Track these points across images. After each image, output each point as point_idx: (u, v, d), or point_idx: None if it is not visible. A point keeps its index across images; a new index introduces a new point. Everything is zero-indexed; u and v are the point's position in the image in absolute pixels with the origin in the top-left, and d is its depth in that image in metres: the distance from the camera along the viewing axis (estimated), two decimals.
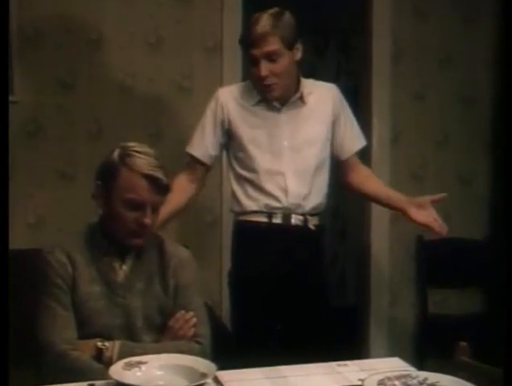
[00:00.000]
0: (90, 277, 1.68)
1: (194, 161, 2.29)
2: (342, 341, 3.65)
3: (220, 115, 2.23)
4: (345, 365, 1.60)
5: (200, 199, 3.09)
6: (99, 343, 1.61)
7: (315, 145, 2.23)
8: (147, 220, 1.66)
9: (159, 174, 1.66)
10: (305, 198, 2.21)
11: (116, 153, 1.69)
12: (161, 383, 1.43)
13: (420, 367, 1.59)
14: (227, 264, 3.19)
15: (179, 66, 3.10)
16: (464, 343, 1.64)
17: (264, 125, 2.20)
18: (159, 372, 1.45)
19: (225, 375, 1.49)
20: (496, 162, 3.53)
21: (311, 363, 1.61)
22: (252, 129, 2.20)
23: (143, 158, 1.66)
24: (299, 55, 2.15)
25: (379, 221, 3.52)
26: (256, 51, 2.06)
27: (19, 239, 2.83)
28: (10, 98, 2.82)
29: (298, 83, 2.22)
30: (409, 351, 3.46)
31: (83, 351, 1.60)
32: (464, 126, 3.55)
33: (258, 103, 2.20)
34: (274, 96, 2.15)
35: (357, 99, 3.88)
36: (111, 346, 1.61)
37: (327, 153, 2.28)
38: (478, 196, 3.58)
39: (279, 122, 2.20)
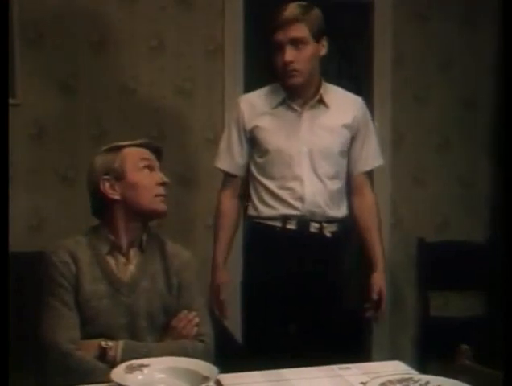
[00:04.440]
0: (94, 276, 1.69)
1: (228, 176, 2.31)
2: (343, 344, 3.67)
3: (242, 123, 2.23)
4: (347, 368, 1.60)
5: (204, 201, 3.13)
6: (103, 343, 1.62)
7: (332, 154, 2.21)
8: (165, 178, 1.77)
9: (149, 140, 1.85)
10: (321, 205, 2.21)
11: (104, 154, 1.79)
12: None
13: (422, 370, 1.59)
14: (230, 264, 3.21)
15: (181, 69, 3.11)
16: (465, 346, 1.64)
17: (284, 128, 2.19)
18: (161, 375, 1.44)
19: (227, 379, 1.49)
20: (497, 165, 3.53)
21: (313, 367, 1.61)
22: (272, 134, 2.19)
23: (127, 141, 1.81)
24: (324, 50, 2.16)
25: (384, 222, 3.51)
26: (282, 36, 2.08)
27: (21, 241, 2.84)
28: (13, 101, 2.83)
29: (319, 84, 2.21)
30: (410, 354, 3.46)
31: (87, 351, 1.60)
32: (465, 129, 3.55)
33: (279, 105, 2.20)
34: (296, 83, 2.12)
35: None
36: (115, 346, 1.61)
37: (344, 164, 2.27)
38: (479, 199, 3.58)
39: (299, 126, 2.19)
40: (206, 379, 1.40)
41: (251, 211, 2.26)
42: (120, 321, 1.67)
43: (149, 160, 1.79)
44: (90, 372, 1.54)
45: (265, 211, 2.21)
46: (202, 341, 1.71)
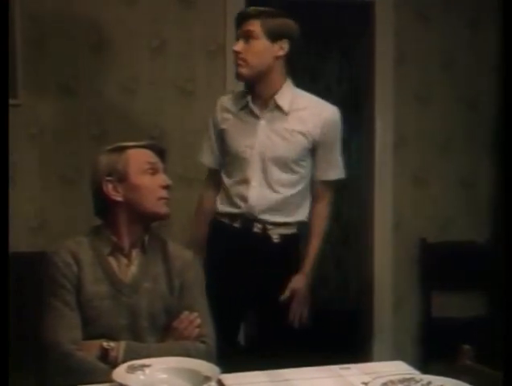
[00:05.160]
0: (95, 276, 1.69)
1: (210, 171, 2.38)
2: (345, 344, 3.67)
3: (215, 123, 2.32)
4: (348, 368, 1.59)
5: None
6: (104, 343, 1.62)
7: (285, 161, 2.22)
8: (169, 181, 1.78)
9: (154, 141, 1.87)
10: (264, 210, 2.22)
11: (108, 154, 1.79)
12: None
13: (424, 370, 1.59)
14: None
15: (182, 69, 3.11)
16: (467, 347, 1.64)
17: (244, 131, 2.24)
18: (163, 375, 1.45)
19: (229, 379, 1.49)
20: (498, 166, 3.53)
21: (314, 367, 1.61)
22: (233, 136, 2.26)
23: (131, 142, 1.82)
24: (281, 52, 2.18)
25: (382, 224, 3.52)
26: (239, 31, 2.18)
27: (22, 242, 2.85)
28: (14, 101, 2.84)
29: (279, 87, 2.22)
30: (412, 355, 3.45)
31: (88, 351, 1.60)
32: (468, 129, 3.55)
33: (242, 108, 2.26)
34: (241, 73, 2.18)
35: (360, 102, 3.90)
36: (116, 347, 1.61)
37: (305, 171, 2.27)
38: (481, 199, 3.58)
39: (256, 130, 2.23)
40: (208, 379, 1.40)
41: (216, 208, 2.33)
42: (121, 321, 1.67)
43: (153, 162, 1.79)
44: (91, 373, 1.53)
45: (219, 207, 2.30)
46: (204, 342, 1.71)
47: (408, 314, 3.54)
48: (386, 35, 3.44)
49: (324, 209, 2.36)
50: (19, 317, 1.82)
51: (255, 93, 2.22)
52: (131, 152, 1.78)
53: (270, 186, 2.22)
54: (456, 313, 3.48)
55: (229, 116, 2.28)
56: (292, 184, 2.24)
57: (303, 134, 2.21)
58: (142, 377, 1.42)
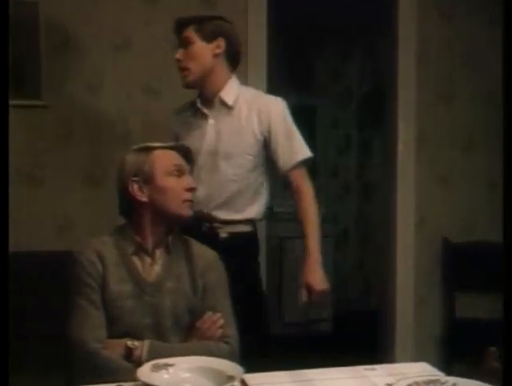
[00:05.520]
0: (120, 276, 1.70)
1: None
2: (367, 345, 3.66)
3: (172, 130, 2.39)
4: (373, 369, 1.59)
5: None
6: (129, 342, 1.63)
7: (235, 156, 2.22)
8: (194, 184, 1.80)
9: (179, 143, 1.88)
10: (212, 207, 2.23)
11: (134, 153, 1.80)
12: (188, 385, 1.43)
13: (447, 371, 1.57)
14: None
15: None
16: (493, 348, 1.62)
17: (194, 130, 2.29)
18: (186, 374, 1.45)
19: (252, 378, 1.49)
20: None
21: (337, 367, 1.60)
22: (185, 135, 2.30)
23: (157, 143, 1.82)
24: (218, 50, 2.24)
25: (404, 223, 3.50)
26: (178, 39, 2.27)
27: (49, 241, 2.88)
28: (40, 102, 2.88)
29: (223, 85, 2.26)
30: (435, 356, 3.43)
31: (113, 350, 1.62)
32: (491, 128, 3.51)
33: (192, 107, 2.31)
34: (187, 81, 2.25)
35: (383, 101, 3.88)
36: (140, 346, 1.62)
37: (254, 165, 2.25)
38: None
39: (205, 128, 2.27)
40: (231, 378, 1.40)
41: None
42: (145, 321, 1.68)
43: (179, 164, 1.79)
44: (116, 371, 1.55)
45: None
46: (227, 343, 1.71)
47: (431, 314, 3.51)
48: (409, 33, 3.42)
49: (309, 206, 2.32)
50: (47, 315, 1.83)
51: (203, 94, 2.28)
52: (158, 153, 1.79)
53: (219, 183, 2.23)
54: (480, 314, 3.44)
55: (182, 118, 2.35)
56: (243, 180, 2.24)
57: (251, 129, 2.23)
58: (166, 376, 1.42)
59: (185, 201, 1.78)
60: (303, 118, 5.00)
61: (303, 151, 2.30)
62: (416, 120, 3.44)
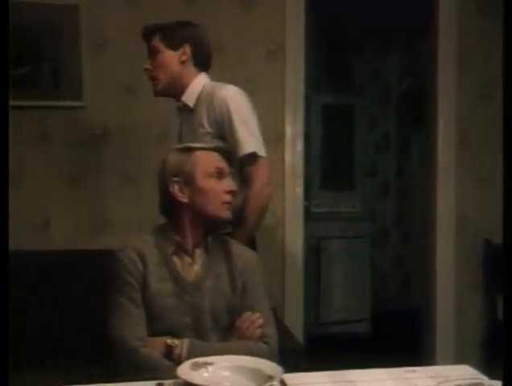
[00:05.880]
0: (160, 275, 1.71)
1: None
2: (406, 346, 3.62)
3: None
4: (413, 371, 1.56)
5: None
6: (169, 341, 1.64)
7: None
8: (234, 186, 1.79)
9: (222, 144, 1.88)
10: None
11: (176, 153, 1.81)
12: (227, 384, 1.42)
13: (488, 375, 1.54)
14: (290, 268, 3.21)
15: (242, 69, 3.12)
16: None
17: (175, 135, 2.37)
18: (226, 373, 1.45)
19: (292, 378, 1.48)
20: None
21: (373, 369, 1.58)
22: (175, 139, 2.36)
23: (199, 144, 1.84)
24: (184, 57, 2.26)
25: (444, 224, 3.45)
26: (148, 48, 2.30)
27: (88, 240, 2.92)
28: (79, 103, 2.92)
29: (188, 85, 2.27)
30: (477, 359, 3.36)
31: (153, 348, 1.63)
32: None
33: (176, 110, 2.37)
34: (156, 90, 2.30)
35: (422, 100, 3.83)
36: (180, 344, 1.63)
37: None
38: None
39: (181, 132, 2.33)
40: (271, 378, 1.40)
41: None
42: (185, 319, 1.69)
43: (220, 167, 1.79)
44: (156, 369, 1.56)
45: None
46: (266, 343, 1.71)
47: (472, 316, 3.45)
48: (450, 31, 3.37)
49: (253, 198, 2.18)
50: (91, 313, 1.85)
51: (177, 99, 2.31)
52: (199, 154, 1.80)
53: None
54: None
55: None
56: None
57: (205, 124, 2.20)
58: (205, 374, 1.42)
59: (224, 203, 1.77)
60: (341, 117, 5.02)
61: (253, 145, 2.18)
62: (457, 119, 3.39)
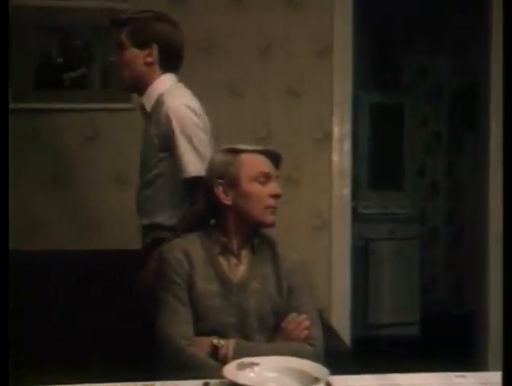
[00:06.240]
0: (206, 275, 1.72)
1: None
2: (457, 349, 3.54)
3: None
4: (463, 377, 1.53)
5: (309, 202, 3.13)
6: (215, 341, 1.65)
7: (148, 162, 2.10)
8: (279, 190, 1.77)
9: (270, 147, 1.83)
10: (140, 212, 2.18)
11: (222, 154, 1.82)
12: (273, 385, 1.43)
13: None
14: (337, 269, 3.19)
15: (290, 69, 3.11)
16: None
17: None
18: (272, 374, 1.45)
19: (338, 381, 1.47)
20: None
21: (422, 373, 1.56)
22: None
23: (246, 145, 1.82)
24: (149, 59, 2.12)
25: (497, 224, 3.36)
26: (115, 41, 2.16)
27: (137, 240, 2.96)
28: (128, 105, 2.96)
29: (148, 88, 2.13)
30: None
31: (199, 348, 1.64)
32: None
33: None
34: (120, 86, 2.22)
35: (474, 99, 3.74)
36: (226, 345, 1.64)
37: (166, 170, 2.07)
38: None
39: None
40: (317, 380, 1.39)
41: None
42: (231, 320, 1.70)
43: (265, 172, 1.78)
44: (201, 369, 1.57)
45: None
46: (312, 345, 1.71)
47: None
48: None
49: None
50: (139, 311, 1.87)
51: (140, 99, 2.18)
52: (245, 157, 1.79)
53: (142, 189, 2.16)
54: None
55: None
56: (155, 184, 2.10)
57: (156, 134, 2.06)
58: (251, 375, 1.43)
59: (268, 207, 1.76)
60: (390, 117, 4.95)
61: (193, 168, 2.01)
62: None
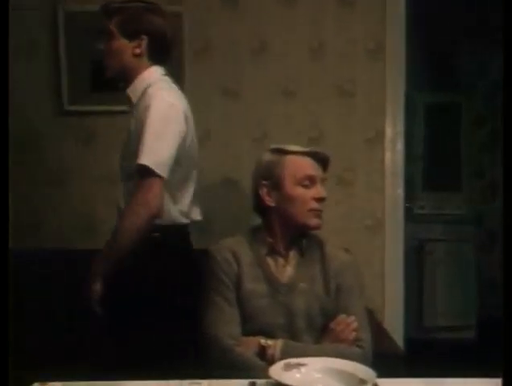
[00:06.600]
0: (254, 275, 1.73)
1: None
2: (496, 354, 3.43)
3: None
4: None
5: (361, 202, 3.10)
6: (262, 341, 1.66)
7: (130, 155, 2.00)
8: (323, 194, 1.75)
9: (317, 149, 1.80)
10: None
11: (269, 153, 1.81)
12: None
13: None
14: (390, 270, 3.15)
15: (342, 69, 3.09)
16: None
17: None
18: (318, 375, 1.45)
19: (386, 383, 1.45)
20: None
21: (476, 378, 1.52)
22: None
23: (294, 146, 1.80)
24: (138, 50, 2.07)
25: None
26: (103, 29, 2.11)
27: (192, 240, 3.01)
28: None
29: (135, 79, 2.08)
30: None
31: (246, 348, 1.65)
32: None
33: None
34: (106, 74, 2.13)
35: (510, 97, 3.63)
36: (274, 345, 1.65)
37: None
38: None
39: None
40: (363, 382, 1.39)
41: None
42: (278, 320, 1.70)
43: (311, 175, 1.76)
44: (249, 368, 1.58)
45: None
46: (360, 347, 1.70)
47: None
48: None
49: (126, 211, 1.95)
50: (187, 311, 1.88)
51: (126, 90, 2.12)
52: (291, 159, 1.78)
53: (124, 184, 2.07)
54: None
55: None
56: (130, 177, 2.02)
57: (135, 123, 2.02)
58: (297, 375, 1.44)
59: (311, 210, 1.75)
60: (446, 116, 4.85)
61: (152, 159, 1.91)
62: None
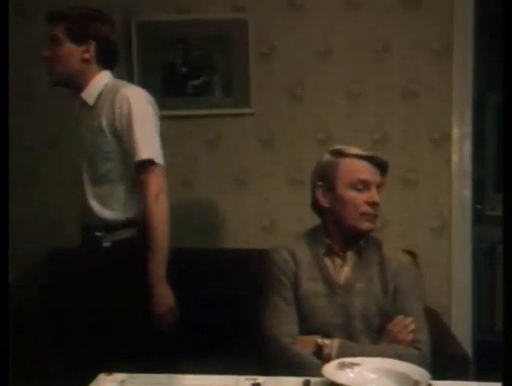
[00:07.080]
0: (311, 275, 1.76)
1: None
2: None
3: None
4: None
5: (427, 203, 3.06)
6: (319, 340, 1.68)
7: (95, 156, 2.05)
8: (376, 198, 1.75)
9: (376, 154, 1.79)
10: (91, 213, 2.08)
11: (328, 154, 1.83)
12: None
13: None
14: (457, 272, 3.10)
15: (407, 71, 3.07)
16: None
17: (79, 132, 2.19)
18: (372, 375, 1.47)
19: None
20: None
21: None
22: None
23: (354, 149, 1.80)
24: (86, 55, 2.10)
25: None
26: (47, 34, 2.13)
27: (255, 240, 3.07)
28: (248, 110, 3.08)
29: (90, 82, 2.11)
30: None
31: (303, 346, 1.68)
32: None
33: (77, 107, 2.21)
34: (49, 80, 2.14)
35: None
36: (330, 344, 1.66)
37: (116, 163, 2.06)
38: None
39: (81, 130, 2.14)
40: (417, 383, 1.39)
41: None
42: (335, 320, 1.72)
43: (365, 179, 1.76)
44: (305, 367, 1.61)
45: None
46: (417, 348, 1.69)
47: None
48: None
49: (152, 207, 1.99)
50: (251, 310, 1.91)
51: (76, 94, 2.15)
52: (347, 162, 1.78)
53: (89, 186, 2.09)
54: None
55: None
56: (109, 180, 2.06)
57: (105, 124, 2.03)
58: (351, 375, 1.45)
59: (363, 214, 1.75)
60: None
61: (151, 151, 2.01)
62: None
